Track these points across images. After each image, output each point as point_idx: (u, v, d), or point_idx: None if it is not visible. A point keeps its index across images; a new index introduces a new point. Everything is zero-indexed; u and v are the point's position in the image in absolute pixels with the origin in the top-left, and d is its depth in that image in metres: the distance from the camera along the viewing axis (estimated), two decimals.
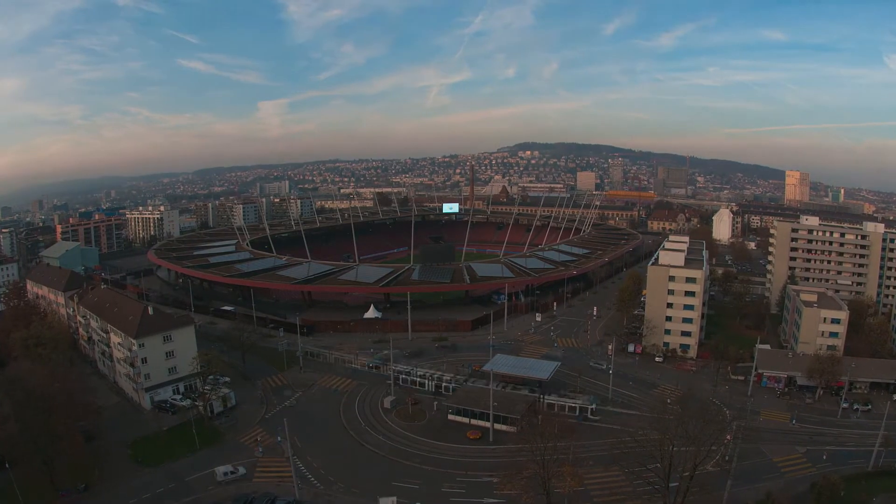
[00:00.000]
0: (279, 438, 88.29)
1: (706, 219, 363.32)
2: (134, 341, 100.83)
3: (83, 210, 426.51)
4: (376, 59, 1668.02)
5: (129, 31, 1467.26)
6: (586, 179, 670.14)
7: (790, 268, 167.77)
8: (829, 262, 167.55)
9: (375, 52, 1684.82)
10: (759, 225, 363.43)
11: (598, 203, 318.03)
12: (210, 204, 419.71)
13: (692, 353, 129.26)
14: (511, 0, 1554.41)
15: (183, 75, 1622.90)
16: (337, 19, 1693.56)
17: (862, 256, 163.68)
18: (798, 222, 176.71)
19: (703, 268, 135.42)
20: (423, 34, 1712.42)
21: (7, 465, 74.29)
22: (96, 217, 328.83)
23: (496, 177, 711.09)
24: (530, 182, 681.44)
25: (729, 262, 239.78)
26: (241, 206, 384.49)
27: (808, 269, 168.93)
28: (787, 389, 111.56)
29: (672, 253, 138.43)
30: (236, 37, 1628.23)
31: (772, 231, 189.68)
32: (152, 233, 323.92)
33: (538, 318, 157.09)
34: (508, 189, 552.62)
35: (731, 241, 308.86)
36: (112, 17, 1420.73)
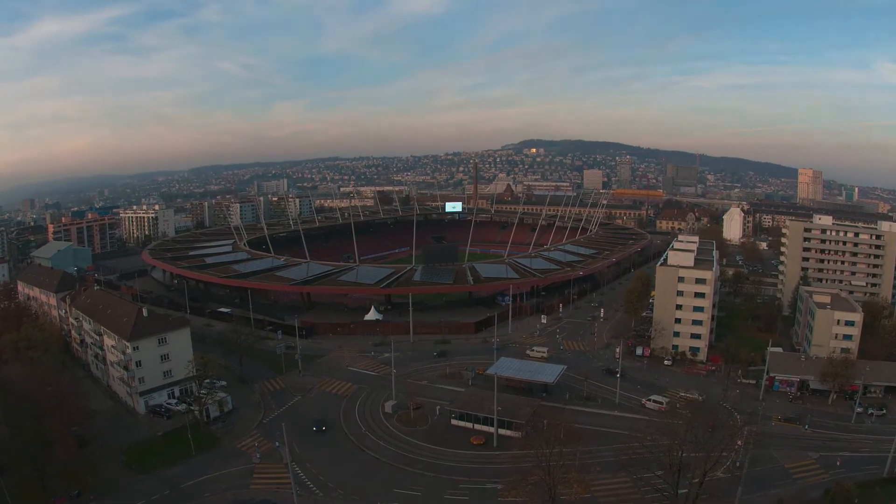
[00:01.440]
0: (277, 444, 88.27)
1: (716, 218, 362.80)
2: (128, 344, 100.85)
3: (76, 209, 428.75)
4: (396, 64, 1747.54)
5: (178, 35, 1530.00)
6: (593, 177, 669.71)
7: (803, 268, 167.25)
8: (842, 262, 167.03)
9: (396, 59, 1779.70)
10: (770, 224, 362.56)
11: (605, 202, 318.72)
12: (206, 203, 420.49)
13: (702, 355, 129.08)
14: (529, 13, 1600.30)
15: (216, 76, 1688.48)
16: (370, 32, 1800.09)
17: (877, 257, 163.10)
18: (811, 222, 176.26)
19: (714, 268, 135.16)
20: (444, 44, 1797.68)
21: None
22: (89, 216, 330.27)
23: (500, 175, 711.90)
24: (535, 180, 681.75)
25: (740, 262, 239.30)
26: (238, 205, 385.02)
27: (821, 270, 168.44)
28: (799, 393, 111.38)
29: (681, 253, 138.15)
30: (274, 43, 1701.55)
31: (784, 231, 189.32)
32: (147, 232, 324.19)
33: (543, 321, 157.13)
34: (513, 187, 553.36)
35: (741, 240, 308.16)
36: (165, 21, 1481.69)
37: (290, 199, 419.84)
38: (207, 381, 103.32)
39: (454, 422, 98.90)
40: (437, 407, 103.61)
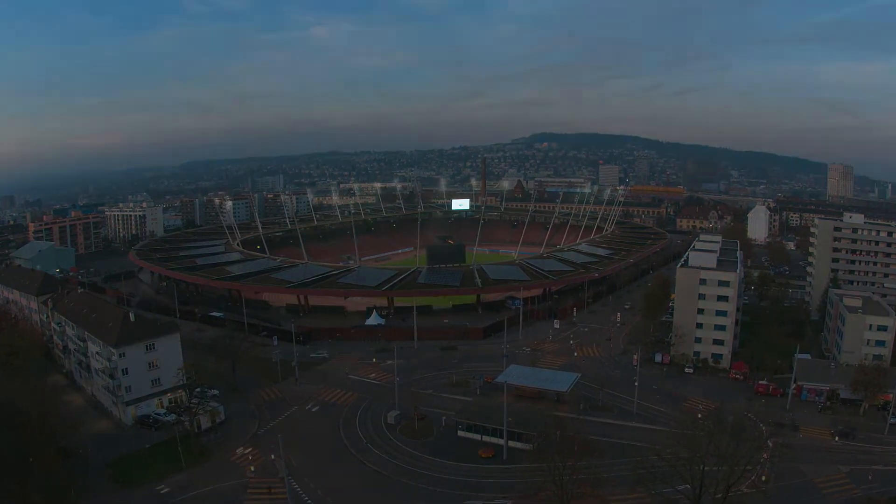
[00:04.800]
0: (273, 456, 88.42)
1: (740, 216, 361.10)
2: (114, 350, 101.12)
3: (58, 207, 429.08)
4: (412, 68, 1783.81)
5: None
6: (609, 173, 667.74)
7: (832, 270, 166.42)
8: (875, 263, 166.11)
9: (419, 66, 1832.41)
10: (798, 223, 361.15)
11: (621, 199, 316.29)
12: (197, 200, 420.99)
13: (725, 363, 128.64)
14: (557, 23, 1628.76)
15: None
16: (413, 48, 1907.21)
17: None
18: (841, 220, 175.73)
19: (738, 270, 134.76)
20: (470, 54, 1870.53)
21: None
22: (72, 214, 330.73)
23: (510, 170, 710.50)
24: (548, 176, 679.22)
25: (765, 263, 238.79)
26: (230, 202, 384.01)
27: (852, 272, 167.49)
28: (829, 403, 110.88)
29: (703, 254, 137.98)
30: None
31: (812, 230, 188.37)
32: (134, 231, 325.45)
33: (556, 325, 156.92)
34: (524, 184, 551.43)
35: (767, 240, 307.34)
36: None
37: (286, 196, 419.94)
38: (198, 389, 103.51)
39: (461, 433, 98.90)
40: (443, 417, 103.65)
